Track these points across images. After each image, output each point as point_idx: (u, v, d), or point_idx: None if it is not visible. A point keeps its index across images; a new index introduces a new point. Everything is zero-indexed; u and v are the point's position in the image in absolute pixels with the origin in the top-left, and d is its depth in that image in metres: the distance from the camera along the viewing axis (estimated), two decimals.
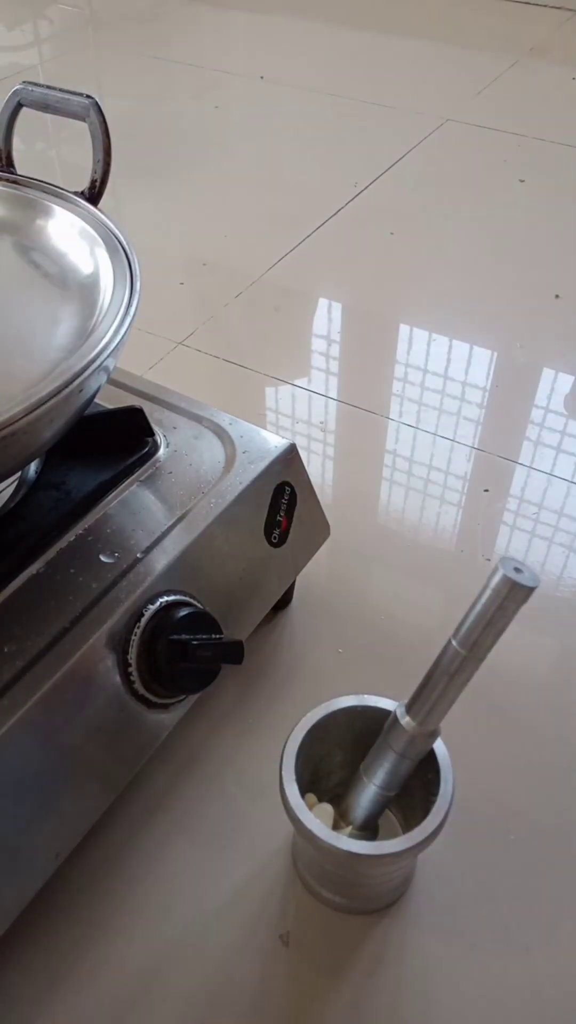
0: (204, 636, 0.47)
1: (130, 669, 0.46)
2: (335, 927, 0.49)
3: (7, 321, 0.47)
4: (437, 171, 1.26)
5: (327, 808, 0.49)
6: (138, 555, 0.49)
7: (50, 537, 0.49)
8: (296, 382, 0.89)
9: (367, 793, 0.46)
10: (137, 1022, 0.46)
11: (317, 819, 0.43)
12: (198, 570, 0.50)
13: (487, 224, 1.14)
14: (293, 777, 0.45)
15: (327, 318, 0.99)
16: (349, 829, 0.48)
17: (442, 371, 0.90)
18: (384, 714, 0.48)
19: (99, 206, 0.53)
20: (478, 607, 0.37)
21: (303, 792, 0.44)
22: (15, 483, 0.51)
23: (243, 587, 0.55)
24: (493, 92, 1.47)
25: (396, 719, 0.43)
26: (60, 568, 0.48)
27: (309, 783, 0.48)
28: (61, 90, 0.53)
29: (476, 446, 0.81)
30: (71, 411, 0.43)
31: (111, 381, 0.60)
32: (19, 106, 0.55)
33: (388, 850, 0.42)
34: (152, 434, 0.56)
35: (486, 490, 0.77)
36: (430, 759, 0.46)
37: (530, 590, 0.35)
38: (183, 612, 0.47)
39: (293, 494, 0.57)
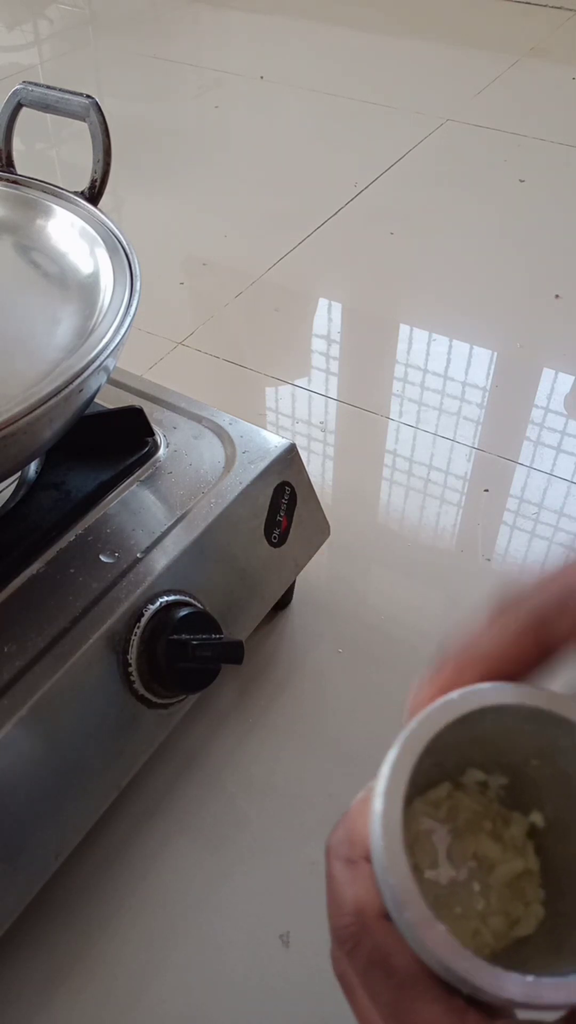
0: (204, 636, 0.47)
1: (130, 669, 0.46)
2: None
3: (7, 321, 0.47)
4: (437, 171, 1.26)
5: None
6: (138, 555, 0.49)
7: (50, 537, 0.49)
8: (296, 382, 0.89)
9: None
10: (137, 1021, 0.46)
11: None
12: (198, 570, 0.50)
13: (487, 224, 1.14)
14: (399, 817, 0.24)
15: (327, 318, 0.99)
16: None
17: (442, 371, 0.90)
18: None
19: (99, 206, 0.53)
20: None
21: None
22: (15, 483, 0.51)
23: (243, 587, 0.55)
24: (493, 92, 1.47)
25: None
26: (60, 568, 0.48)
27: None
28: (61, 90, 0.53)
29: (476, 446, 0.81)
30: (71, 411, 0.43)
31: (111, 381, 0.60)
32: (19, 106, 0.55)
33: None
34: (152, 434, 0.56)
35: (486, 490, 0.77)
36: None
37: None
38: (183, 612, 0.47)
39: (293, 494, 0.57)
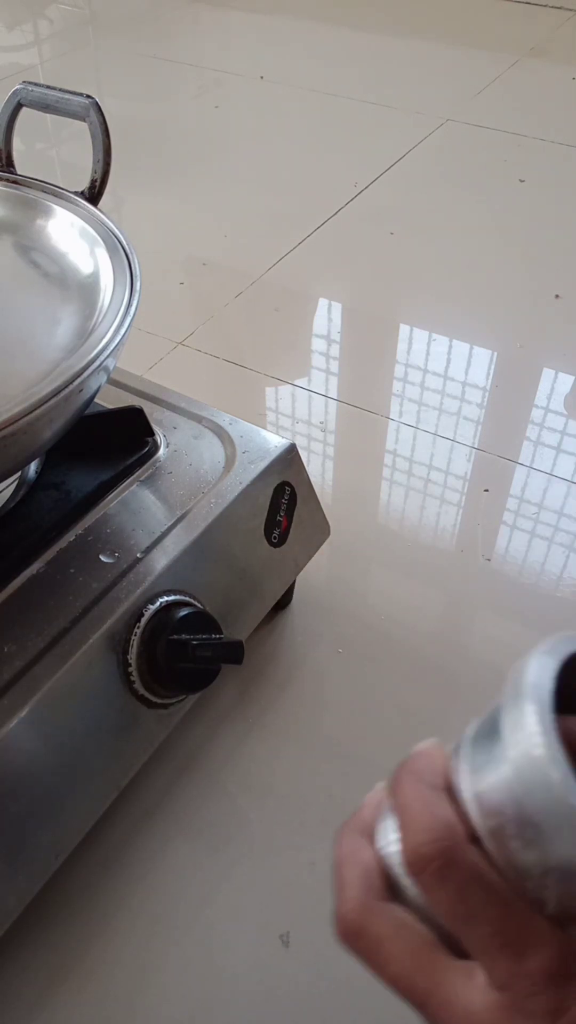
0: (204, 636, 0.47)
1: (130, 669, 0.46)
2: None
3: (7, 321, 0.47)
4: (437, 171, 1.26)
5: None
6: (138, 555, 0.49)
7: (50, 537, 0.49)
8: (296, 382, 0.89)
9: None
10: (137, 1021, 0.46)
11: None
12: (198, 570, 0.50)
13: (487, 224, 1.14)
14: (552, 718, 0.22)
15: (327, 318, 0.99)
16: None
17: (442, 371, 0.90)
18: None
19: (99, 206, 0.53)
20: None
21: None
22: (15, 483, 0.51)
23: (243, 587, 0.55)
24: (493, 92, 1.47)
25: None
26: (60, 568, 0.48)
27: None
28: (61, 90, 0.53)
29: (476, 446, 0.81)
30: (71, 411, 0.43)
31: (111, 381, 0.60)
32: (19, 106, 0.55)
33: None
34: (152, 434, 0.56)
35: (486, 490, 0.77)
36: None
37: None
38: (183, 612, 0.47)
39: (293, 494, 0.57)
